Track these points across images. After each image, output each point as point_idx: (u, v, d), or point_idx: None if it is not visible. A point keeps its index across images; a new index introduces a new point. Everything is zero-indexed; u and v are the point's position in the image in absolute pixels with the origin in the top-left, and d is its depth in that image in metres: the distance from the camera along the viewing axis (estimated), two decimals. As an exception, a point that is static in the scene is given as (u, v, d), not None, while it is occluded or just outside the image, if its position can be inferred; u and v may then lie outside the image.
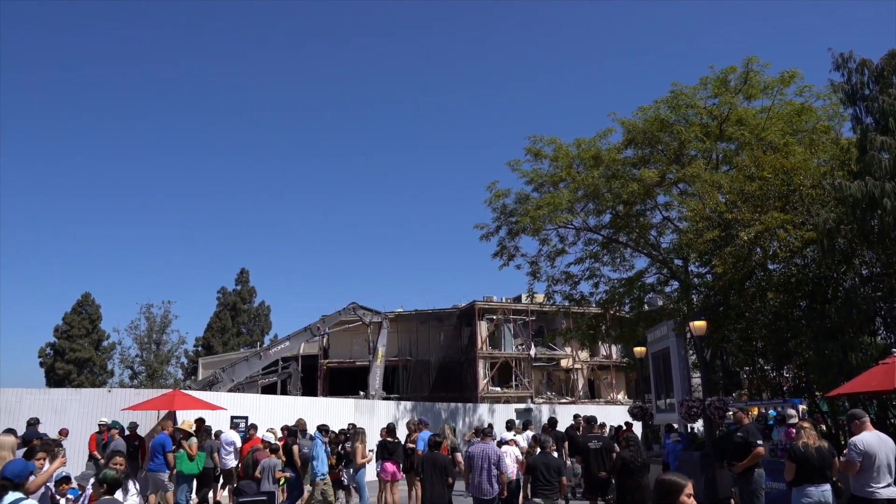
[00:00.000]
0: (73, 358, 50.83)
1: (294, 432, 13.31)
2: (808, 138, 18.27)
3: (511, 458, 11.81)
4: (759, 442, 9.66)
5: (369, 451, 13.57)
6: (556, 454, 10.75)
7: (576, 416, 17.70)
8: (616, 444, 12.81)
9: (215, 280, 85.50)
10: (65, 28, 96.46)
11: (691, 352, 16.12)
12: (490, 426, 13.48)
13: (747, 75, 19.84)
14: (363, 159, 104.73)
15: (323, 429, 12.84)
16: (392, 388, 38.76)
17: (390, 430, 13.65)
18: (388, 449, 13.10)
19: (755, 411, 15.28)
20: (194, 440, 13.13)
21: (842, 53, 13.71)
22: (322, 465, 12.04)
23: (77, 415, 16.39)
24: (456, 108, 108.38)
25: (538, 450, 10.01)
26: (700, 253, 16.69)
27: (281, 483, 12.20)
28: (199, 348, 55.37)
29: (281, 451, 12.66)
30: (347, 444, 14.13)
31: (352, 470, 13.64)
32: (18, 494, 5.10)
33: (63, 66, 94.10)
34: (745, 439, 9.76)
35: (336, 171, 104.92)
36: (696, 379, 16.97)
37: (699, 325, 13.25)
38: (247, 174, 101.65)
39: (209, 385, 27.06)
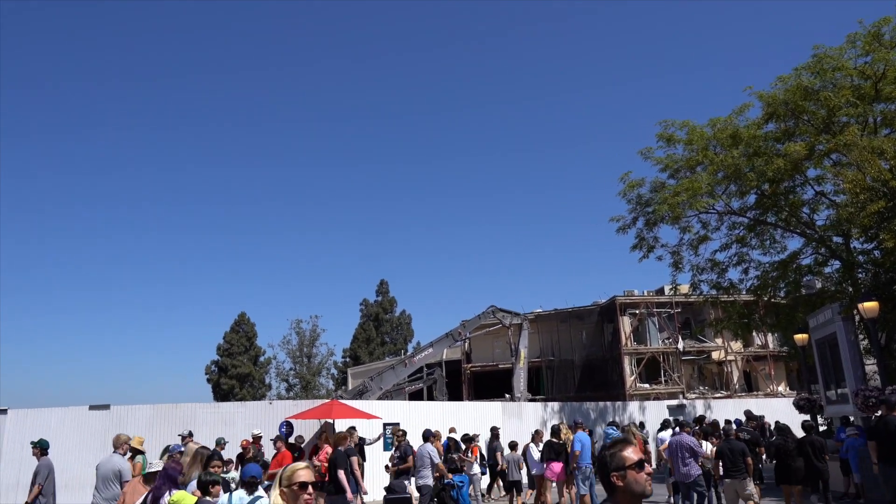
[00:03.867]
0: (235, 373, 55.05)
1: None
2: None
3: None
4: None
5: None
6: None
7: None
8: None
9: (357, 292, 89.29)
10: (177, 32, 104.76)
11: (862, 336, 14.91)
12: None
13: (905, 24, 17.98)
14: (496, 159, 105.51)
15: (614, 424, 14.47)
16: (537, 390, 38.57)
17: (554, 431, 13.90)
18: (555, 450, 13.40)
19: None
20: (139, 458, 10.50)
21: None
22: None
23: (244, 426, 17.69)
24: (580, 105, 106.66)
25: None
26: (864, 227, 15.54)
27: None
28: (347, 359, 57.98)
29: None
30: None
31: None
32: (261, 492, 5.82)
33: (195, 72, 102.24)
34: None
35: (468, 172, 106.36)
36: (871, 366, 15.62)
37: (870, 306, 12.35)
38: (379, 183, 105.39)
39: (359, 394, 28.14)
